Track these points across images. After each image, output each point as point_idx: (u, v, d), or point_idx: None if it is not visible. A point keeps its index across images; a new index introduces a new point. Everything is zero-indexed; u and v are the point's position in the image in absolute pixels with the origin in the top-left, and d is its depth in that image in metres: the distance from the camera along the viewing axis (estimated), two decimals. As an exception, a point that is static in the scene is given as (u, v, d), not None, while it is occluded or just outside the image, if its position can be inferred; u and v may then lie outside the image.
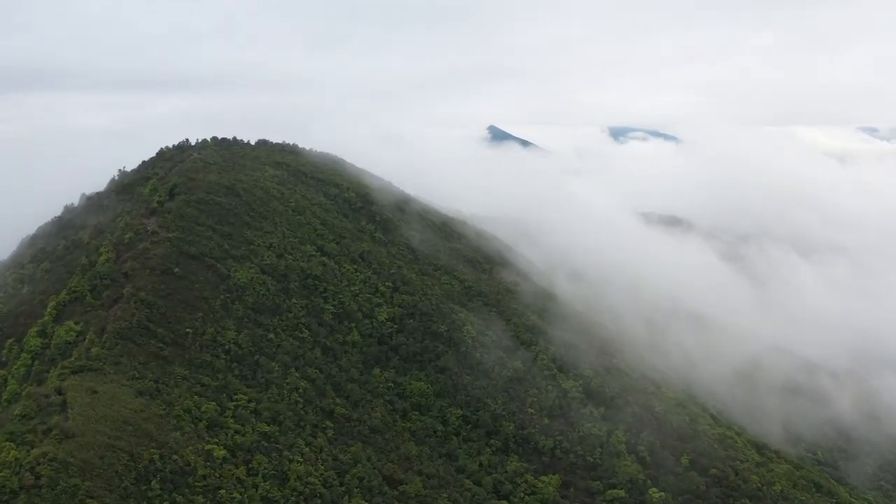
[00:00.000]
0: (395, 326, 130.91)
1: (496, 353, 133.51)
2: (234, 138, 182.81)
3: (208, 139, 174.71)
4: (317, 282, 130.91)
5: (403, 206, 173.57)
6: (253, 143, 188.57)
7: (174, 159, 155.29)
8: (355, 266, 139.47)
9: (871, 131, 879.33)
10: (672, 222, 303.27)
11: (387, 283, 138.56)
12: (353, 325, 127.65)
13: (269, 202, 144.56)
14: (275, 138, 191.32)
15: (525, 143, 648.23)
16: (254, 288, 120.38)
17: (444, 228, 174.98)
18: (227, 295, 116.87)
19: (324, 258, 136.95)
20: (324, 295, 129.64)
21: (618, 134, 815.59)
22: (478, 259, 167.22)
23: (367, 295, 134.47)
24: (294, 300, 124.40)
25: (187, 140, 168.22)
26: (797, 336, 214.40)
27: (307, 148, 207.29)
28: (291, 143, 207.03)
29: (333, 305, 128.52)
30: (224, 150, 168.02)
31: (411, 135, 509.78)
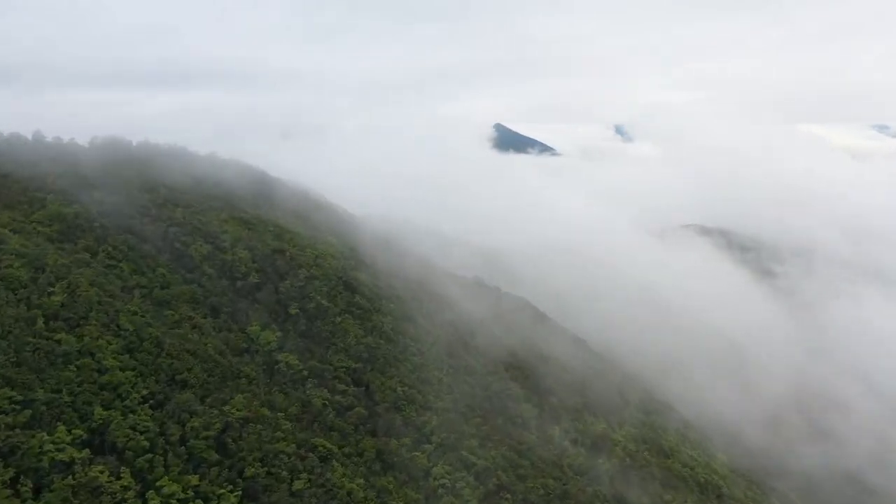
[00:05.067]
0: None
1: None
2: (38, 133, 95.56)
3: None
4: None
5: (355, 276, 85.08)
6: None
7: None
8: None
9: (882, 128, 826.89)
10: (695, 232, 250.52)
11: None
12: None
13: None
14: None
15: (532, 143, 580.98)
16: None
17: (440, 321, 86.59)
18: None
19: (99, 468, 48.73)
20: None
21: (625, 132, 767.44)
22: (507, 391, 78.98)
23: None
24: None
25: None
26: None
27: (214, 153, 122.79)
28: (180, 147, 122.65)
29: None
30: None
31: (413, 134, 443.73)
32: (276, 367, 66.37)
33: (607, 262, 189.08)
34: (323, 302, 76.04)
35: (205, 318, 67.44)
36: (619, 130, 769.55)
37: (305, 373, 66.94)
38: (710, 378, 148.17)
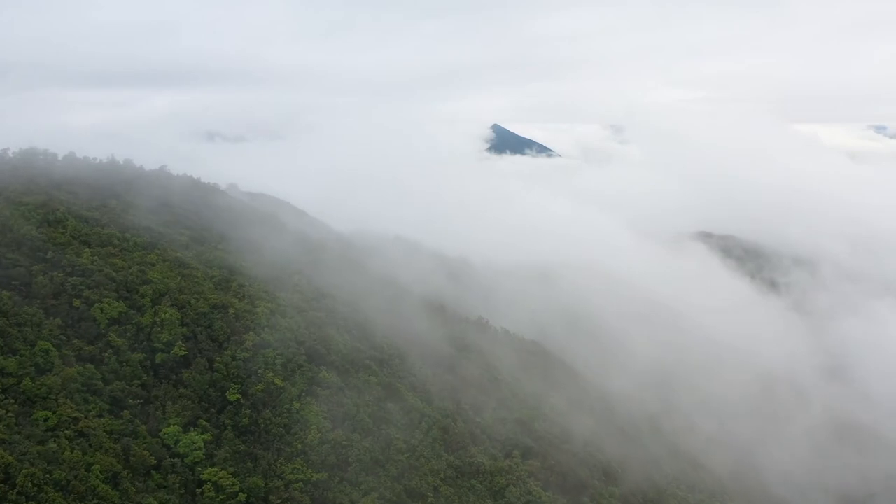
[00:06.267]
0: None
1: None
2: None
3: None
4: None
5: (324, 335, 64.68)
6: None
7: None
8: None
9: (880, 129, 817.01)
10: (696, 239, 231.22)
11: None
12: None
13: None
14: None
15: (530, 144, 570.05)
16: None
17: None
18: None
19: None
20: None
21: (624, 132, 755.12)
22: (528, 497, 58.79)
23: None
24: None
25: None
26: None
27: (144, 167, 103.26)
28: (122, 161, 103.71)
29: None
30: None
31: (411, 135, 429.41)
32: (200, 490, 46.08)
33: (608, 272, 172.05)
34: (275, 381, 55.68)
35: (100, 417, 47.08)
36: (617, 130, 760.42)
37: (243, 496, 46.62)
38: (735, 416, 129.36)
